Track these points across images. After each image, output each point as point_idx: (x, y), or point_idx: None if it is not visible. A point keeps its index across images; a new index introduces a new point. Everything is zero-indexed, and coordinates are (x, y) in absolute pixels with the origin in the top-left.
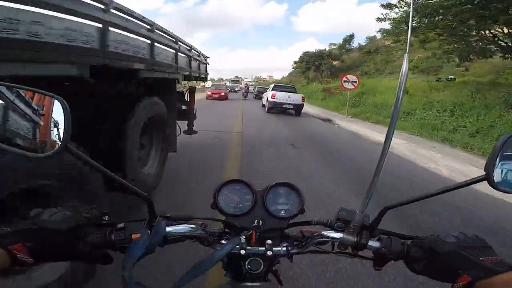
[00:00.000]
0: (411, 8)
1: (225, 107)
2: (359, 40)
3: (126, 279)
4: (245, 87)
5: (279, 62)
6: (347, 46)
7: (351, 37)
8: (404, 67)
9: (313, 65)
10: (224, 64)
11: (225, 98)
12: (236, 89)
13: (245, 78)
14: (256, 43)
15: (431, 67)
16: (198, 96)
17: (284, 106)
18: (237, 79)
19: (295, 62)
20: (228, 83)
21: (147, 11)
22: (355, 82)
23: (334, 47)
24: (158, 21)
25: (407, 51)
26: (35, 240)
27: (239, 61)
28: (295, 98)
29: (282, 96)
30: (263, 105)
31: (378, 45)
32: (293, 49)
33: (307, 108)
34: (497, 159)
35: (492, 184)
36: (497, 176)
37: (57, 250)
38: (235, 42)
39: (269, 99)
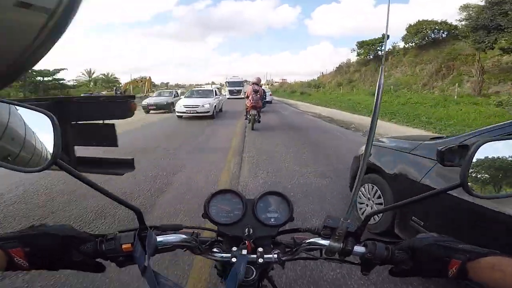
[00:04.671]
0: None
1: None
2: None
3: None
4: (252, 91)
5: (291, 67)
6: None
7: None
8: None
9: None
10: (236, 68)
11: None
12: (239, 95)
13: (254, 82)
14: (268, 48)
15: None
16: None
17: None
18: (239, 79)
19: (361, 45)
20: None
21: (160, 14)
22: None
23: None
24: (171, 25)
25: (382, 62)
26: (33, 245)
27: (251, 66)
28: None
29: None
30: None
31: None
32: (306, 53)
33: None
34: (470, 166)
35: (467, 190)
36: (471, 182)
37: (52, 257)
38: (247, 47)
39: None
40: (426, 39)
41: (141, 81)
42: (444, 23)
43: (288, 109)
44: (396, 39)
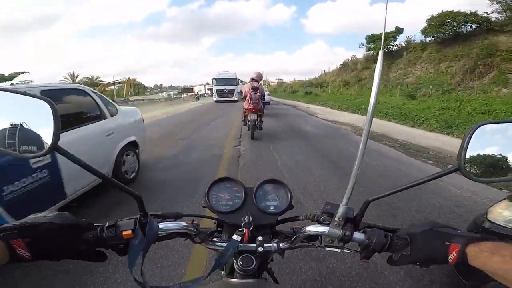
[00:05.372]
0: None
1: None
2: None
3: (138, 280)
4: (250, 89)
5: (286, 66)
6: None
7: None
8: (379, 65)
9: None
10: (231, 68)
11: None
12: (231, 97)
13: (254, 78)
14: (263, 47)
15: None
16: None
17: None
18: (231, 75)
19: (372, 39)
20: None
21: (153, 15)
22: None
23: None
24: (165, 26)
25: (381, 47)
26: (34, 235)
27: (245, 65)
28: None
29: None
30: None
31: None
32: (301, 52)
33: None
34: (467, 149)
35: (464, 174)
36: (468, 166)
37: (54, 247)
38: (242, 47)
39: None
40: (450, 32)
41: (119, 83)
42: (473, 14)
43: (307, 119)
44: (407, 33)
